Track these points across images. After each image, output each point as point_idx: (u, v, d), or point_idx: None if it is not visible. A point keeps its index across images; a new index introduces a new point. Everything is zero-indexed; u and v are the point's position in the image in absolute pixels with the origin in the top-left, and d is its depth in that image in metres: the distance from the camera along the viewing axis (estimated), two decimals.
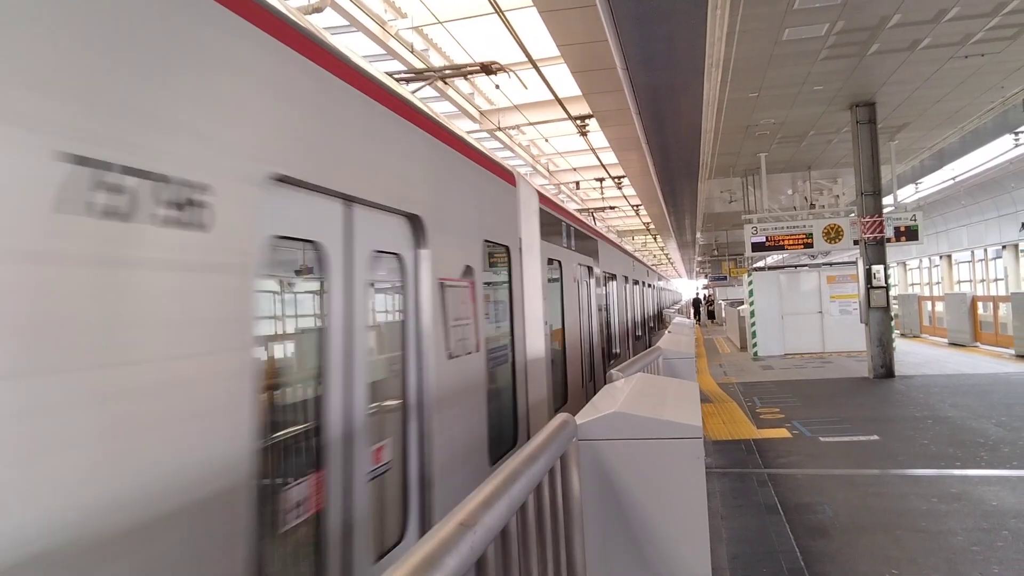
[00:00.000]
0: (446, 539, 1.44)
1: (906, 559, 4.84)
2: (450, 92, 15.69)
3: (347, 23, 11.50)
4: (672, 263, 66.82)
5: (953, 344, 19.94)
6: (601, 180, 25.31)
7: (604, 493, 2.76)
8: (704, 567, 2.71)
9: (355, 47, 11.84)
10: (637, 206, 29.87)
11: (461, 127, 6.33)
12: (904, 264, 34.05)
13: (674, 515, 2.73)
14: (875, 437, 8.64)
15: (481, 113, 17.48)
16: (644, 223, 36.00)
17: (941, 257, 28.71)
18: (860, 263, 14.31)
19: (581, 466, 2.73)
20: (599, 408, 2.94)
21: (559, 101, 12.87)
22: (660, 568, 2.72)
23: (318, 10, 10.52)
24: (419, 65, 13.47)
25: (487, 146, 12.33)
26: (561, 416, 2.68)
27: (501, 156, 14.03)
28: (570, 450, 2.65)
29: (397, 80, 7.91)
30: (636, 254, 23.34)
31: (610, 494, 2.75)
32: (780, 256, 28.46)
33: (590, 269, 11.11)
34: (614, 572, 2.75)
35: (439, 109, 14.78)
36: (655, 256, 59.54)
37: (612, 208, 29.77)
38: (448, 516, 1.58)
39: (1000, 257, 24.10)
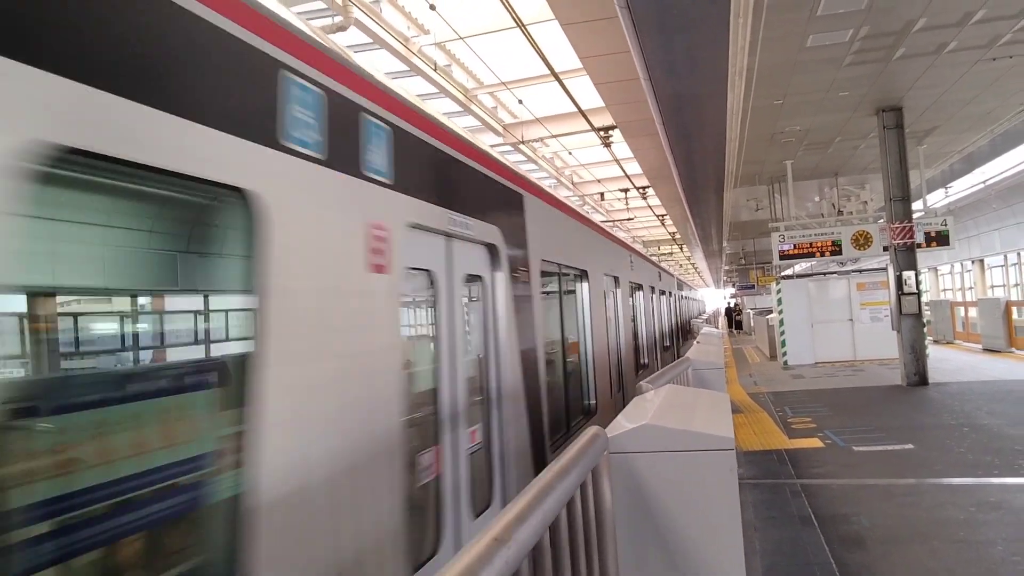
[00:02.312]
0: (481, 554, 1.45)
1: (944, 570, 4.75)
2: (473, 107, 15.77)
3: (370, 40, 11.61)
4: (699, 272, 66.42)
5: (988, 350, 19.62)
6: (626, 191, 25.26)
7: (636, 506, 2.74)
8: None
9: (378, 64, 11.95)
10: (663, 216, 29.77)
11: (484, 141, 7.11)
12: (935, 270, 33.58)
13: (708, 528, 2.71)
14: (910, 446, 8.51)
15: (504, 127, 17.55)
16: (670, 233, 35.85)
17: (973, 262, 28.28)
18: (890, 269, 14.14)
19: (613, 479, 2.73)
20: (629, 420, 2.93)
21: (582, 113, 12.90)
22: None
23: (342, 28, 10.64)
24: (443, 82, 13.58)
25: (511, 159, 12.84)
26: (592, 429, 2.67)
27: (525, 169, 14.07)
28: (601, 463, 2.64)
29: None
30: (662, 264, 23.43)
31: (642, 507, 2.74)
32: (808, 264, 28.20)
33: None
34: None
35: (462, 123, 14.89)
36: (681, 266, 59.24)
37: (630, 219, 29.66)
38: (482, 532, 1.58)
39: None
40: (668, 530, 2.72)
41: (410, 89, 8.65)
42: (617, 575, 2.65)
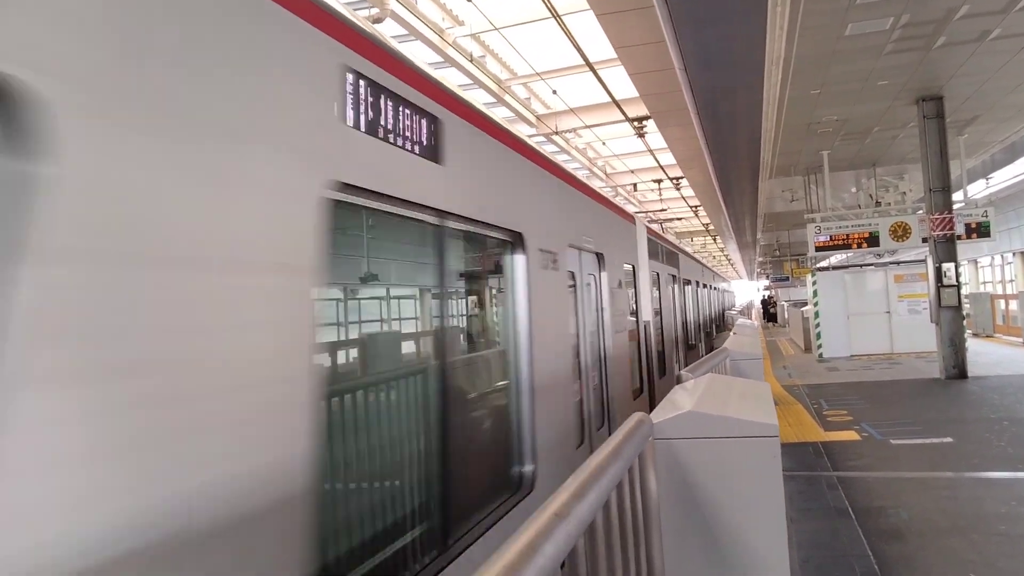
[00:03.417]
0: (544, 528, 1.51)
1: (984, 563, 4.73)
2: (507, 97, 15.80)
3: (406, 32, 11.69)
4: (732, 264, 65.88)
5: None
6: (659, 182, 25.14)
7: (679, 491, 2.78)
8: (783, 567, 2.72)
9: (415, 55, 12.02)
10: (696, 207, 29.57)
11: (521, 132, 7.77)
12: (975, 262, 32.98)
13: (751, 514, 2.74)
14: (948, 439, 8.43)
15: (538, 117, 17.56)
16: (703, 224, 35.61)
17: (1015, 254, 27.74)
18: (929, 261, 13.94)
19: (657, 465, 2.77)
20: (673, 407, 2.96)
21: (616, 104, 12.87)
22: (738, 567, 2.73)
23: (379, 20, 10.73)
24: (477, 73, 13.63)
25: (546, 150, 13.19)
26: (637, 415, 2.71)
27: (560, 160, 14.10)
28: (647, 449, 2.68)
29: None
30: (697, 257, 23.63)
31: (686, 492, 2.77)
32: (844, 255, 27.87)
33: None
34: (691, 570, 2.77)
35: (498, 113, 14.92)
36: (715, 257, 58.80)
37: (663, 211, 29.51)
38: (541, 508, 1.64)
39: None
40: (711, 515, 2.75)
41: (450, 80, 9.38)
42: (662, 557, 2.69)
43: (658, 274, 11.90)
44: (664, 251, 13.22)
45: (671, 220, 31.11)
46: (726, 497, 2.75)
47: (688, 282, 17.00)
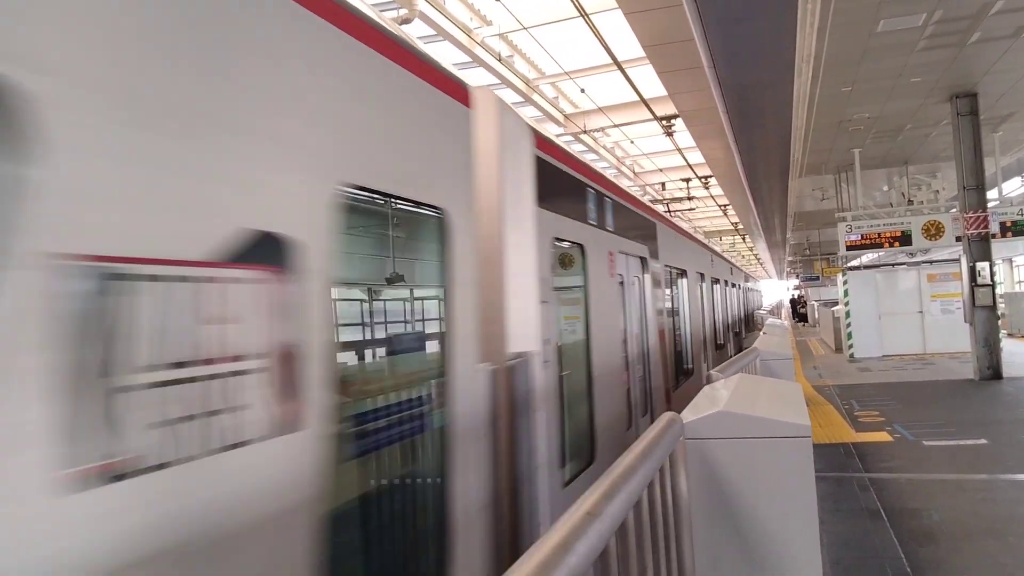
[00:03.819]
0: (576, 526, 1.53)
1: (1019, 565, 4.67)
2: (535, 96, 15.81)
3: (434, 32, 11.75)
4: (761, 263, 65.34)
5: None
6: (687, 180, 25.01)
7: (711, 491, 2.78)
8: (815, 568, 2.71)
9: (443, 55, 12.06)
10: (725, 206, 29.37)
11: (548, 131, 8.05)
12: (1010, 261, 32.44)
13: (783, 515, 2.73)
14: (983, 441, 8.31)
15: (566, 116, 17.55)
16: (732, 223, 35.36)
17: None
18: (963, 260, 13.73)
19: (688, 464, 2.77)
20: (704, 407, 2.96)
21: (644, 102, 12.83)
22: (768, 568, 2.72)
23: (407, 21, 10.78)
24: (505, 72, 13.65)
25: (575, 149, 13.31)
26: (668, 415, 2.72)
27: (588, 159, 14.10)
28: (678, 448, 2.68)
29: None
30: (725, 255, 23.52)
31: (717, 492, 2.77)
32: (876, 255, 27.51)
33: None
34: (722, 571, 2.77)
35: (526, 113, 14.93)
36: (743, 256, 58.35)
37: (691, 204, 29.27)
38: (574, 506, 1.66)
39: None
40: (742, 515, 2.75)
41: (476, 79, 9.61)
42: (692, 557, 2.69)
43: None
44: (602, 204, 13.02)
45: (692, 213, 30.87)
46: (757, 497, 2.75)
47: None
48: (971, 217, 13.39)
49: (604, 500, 1.72)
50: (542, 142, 4.72)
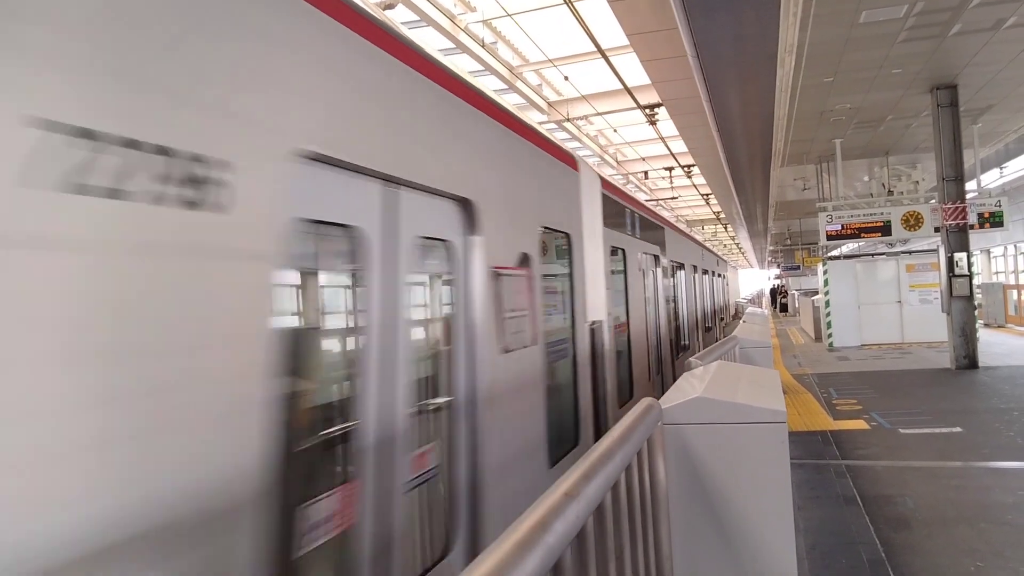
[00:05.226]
0: (554, 506, 1.55)
1: (991, 552, 4.75)
2: (518, 84, 15.76)
3: (418, 18, 11.68)
4: (743, 253, 65.68)
5: None
6: (670, 169, 25.06)
7: (689, 475, 2.81)
8: (789, 552, 2.74)
9: (426, 41, 12.01)
10: (707, 195, 29.47)
11: (532, 119, 8.20)
12: (988, 251, 32.77)
13: (759, 499, 2.77)
14: (958, 429, 8.43)
15: (549, 104, 17.52)
16: (714, 212, 35.49)
17: None
18: (941, 251, 13.88)
19: (666, 449, 2.80)
20: (682, 393, 2.99)
21: (628, 90, 12.84)
22: (745, 552, 2.76)
23: (391, 6, 10.73)
24: (489, 59, 13.60)
25: (558, 137, 13.56)
26: (646, 400, 2.74)
27: (570, 147, 14.11)
28: (656, 433, 2.71)
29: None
30: (706, 244, 23.73)
31: (694, 477, 2.81)
32: (856, 244, 27.73)
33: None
34: (698, 553, 2.80)
35: (509, 100, 14.91)
36: (725, 246, 58.64)
37: (674, 199, 29.38)
38: (552, 487, 1.68)
39: None
40: (718, 500, 2.79)
41: (459, 66, 10.19)
42: (669, 540, 2.73)
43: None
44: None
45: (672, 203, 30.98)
46: (734, 482, 2.78)
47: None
48: (950, 208, 13.52)
49: (583, 481, 1.74)
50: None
